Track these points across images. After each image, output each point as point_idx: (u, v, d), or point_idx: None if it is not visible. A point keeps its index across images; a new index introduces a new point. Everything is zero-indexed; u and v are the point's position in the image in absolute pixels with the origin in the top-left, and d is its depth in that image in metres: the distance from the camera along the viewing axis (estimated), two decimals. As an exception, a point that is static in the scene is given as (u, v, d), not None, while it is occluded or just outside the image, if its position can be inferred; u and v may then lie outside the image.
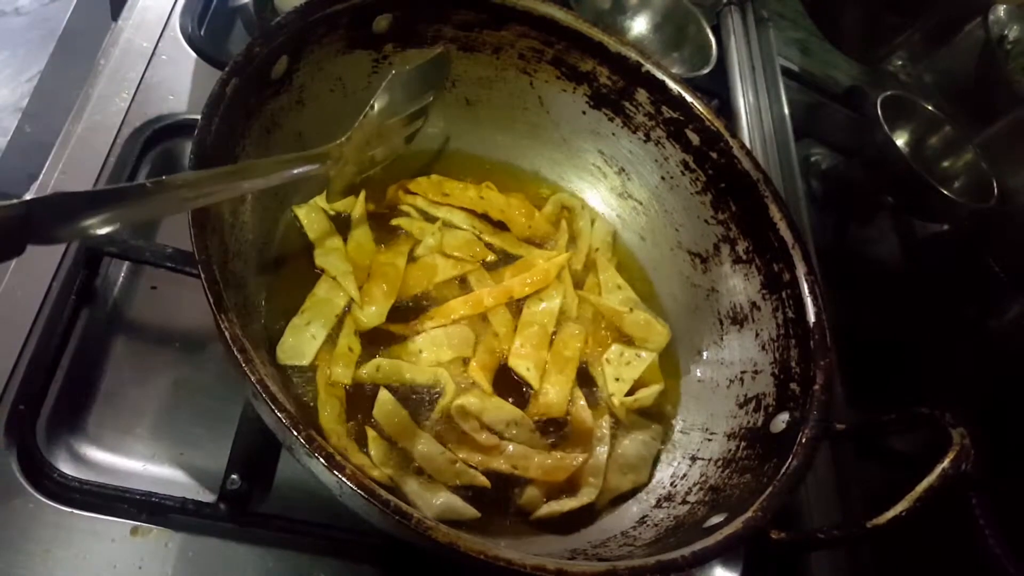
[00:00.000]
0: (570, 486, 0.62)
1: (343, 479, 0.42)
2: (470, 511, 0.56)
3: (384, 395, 0.60)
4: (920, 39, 1.39)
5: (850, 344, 0.80)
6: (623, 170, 0.79)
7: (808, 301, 0.62)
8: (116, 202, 0.41)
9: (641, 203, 0.79)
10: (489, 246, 0.74)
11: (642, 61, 0.71)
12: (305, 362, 0.60)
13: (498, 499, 0.59)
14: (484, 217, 0.75)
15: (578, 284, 0.74)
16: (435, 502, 0.55)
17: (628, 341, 0.72)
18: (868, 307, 1.03)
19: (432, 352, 0.64)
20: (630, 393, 0.68)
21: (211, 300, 0.44)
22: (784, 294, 0.65)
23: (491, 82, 0.76)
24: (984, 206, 1.08)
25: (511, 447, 0.61)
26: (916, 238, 1.21)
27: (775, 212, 0.66)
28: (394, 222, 0.71)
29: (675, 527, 0.56)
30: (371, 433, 0.58)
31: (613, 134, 0.77)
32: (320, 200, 0.68)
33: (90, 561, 0.54)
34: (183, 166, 0.67)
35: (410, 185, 0.74)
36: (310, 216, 0.67)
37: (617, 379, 0.68)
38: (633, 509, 0.62)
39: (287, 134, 0.64)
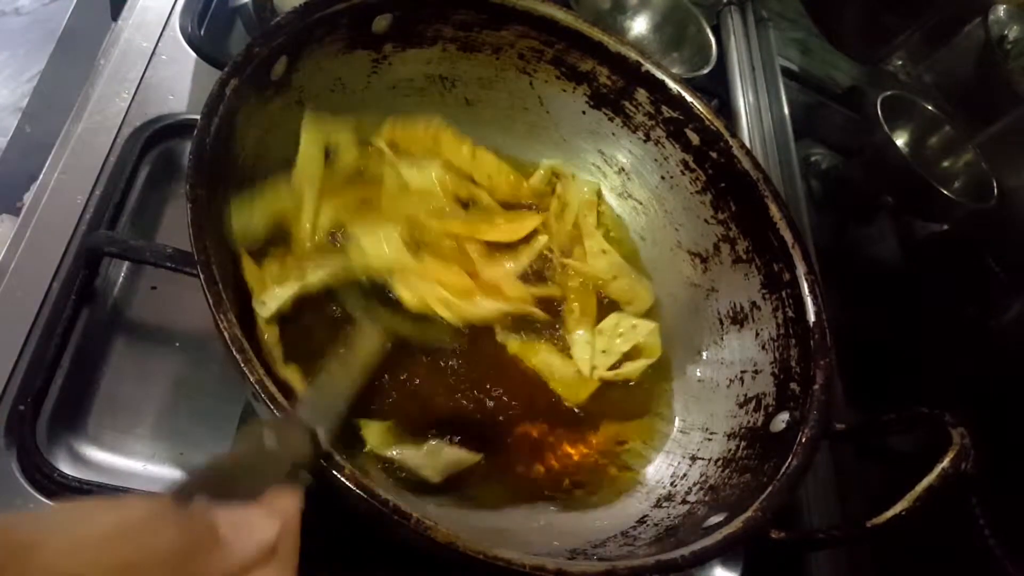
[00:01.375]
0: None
1: (342, 479, 0.42)
2: (473, 457, 0.58)
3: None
4: (920, 39, 1.39)
5: (850, 344, 0.80)
6: (623, 170, 0.79)
7: (808, 301, 0.62)
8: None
9: (641, 203, 0.79)
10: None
11: (642, 61, 0.71)
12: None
13: (494, 441, 0.61)
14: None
15: (566, 254, 0.74)
16: (440, 463, 0.57)
17: (615, 306, 0.73)
18: (868, 307, 1.03)
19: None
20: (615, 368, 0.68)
21: (210, 300, 0.44)
22: (784, 294, 0.65)
23: (491, 82, 0.76)
24: (984, 206, 1.08)
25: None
26: (916, 238, 1.20)
27: (775, 212, 0.66)
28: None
29: (675, 527, 0.56)
30: (364, 422, 0.57)
31: (613, 134, 0.77)
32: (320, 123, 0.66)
33: (90, 561, 0.54)
34: (183, 166, 0.68)
35: (402, 129, 0.71)
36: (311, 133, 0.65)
37: (604, 351, 0.68)
38: (633, 509, 0.62)
39: (287, 134, 0.64)
